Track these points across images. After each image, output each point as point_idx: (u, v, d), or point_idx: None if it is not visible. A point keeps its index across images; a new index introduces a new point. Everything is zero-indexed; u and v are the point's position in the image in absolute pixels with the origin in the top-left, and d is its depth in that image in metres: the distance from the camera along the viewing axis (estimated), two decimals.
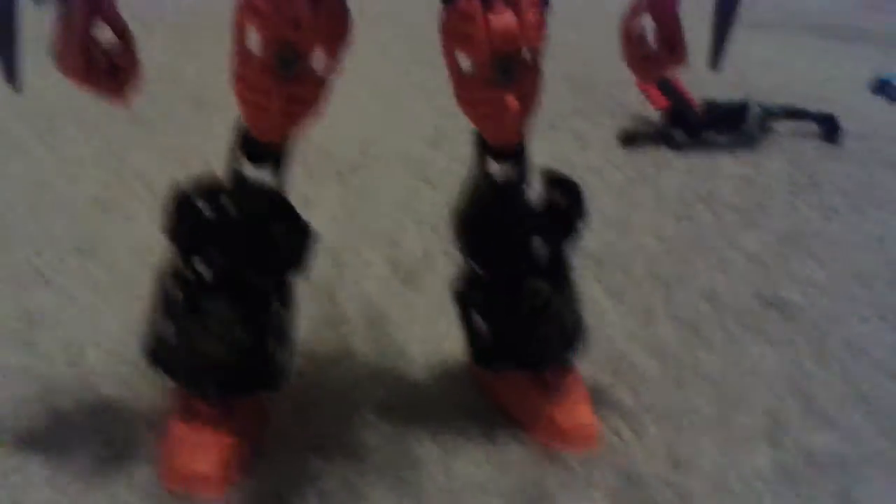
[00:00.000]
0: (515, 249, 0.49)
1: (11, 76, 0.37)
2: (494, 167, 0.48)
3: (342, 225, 0.76)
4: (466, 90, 0.43)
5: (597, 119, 1.08)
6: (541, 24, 0.42)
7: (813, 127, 1.05)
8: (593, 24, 1.56)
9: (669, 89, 1.04)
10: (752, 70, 1.34)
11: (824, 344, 0.61)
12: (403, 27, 1.42)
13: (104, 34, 0.40)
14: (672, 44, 0.45)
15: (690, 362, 0.58)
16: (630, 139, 0.99)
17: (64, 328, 0.58)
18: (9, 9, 0.36)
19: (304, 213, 0.74)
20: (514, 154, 0.48)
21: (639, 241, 0.76)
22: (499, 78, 0.42)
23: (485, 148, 0.47)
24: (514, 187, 0.48)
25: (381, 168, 0.89)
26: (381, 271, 0.69)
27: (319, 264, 0.67)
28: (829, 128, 1.03)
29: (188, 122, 0.98)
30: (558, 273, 0.50)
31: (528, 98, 0.43)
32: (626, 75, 0.49)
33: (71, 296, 0.62)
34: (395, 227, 0.76)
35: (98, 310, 0.61)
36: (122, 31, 0.40)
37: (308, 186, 0.82)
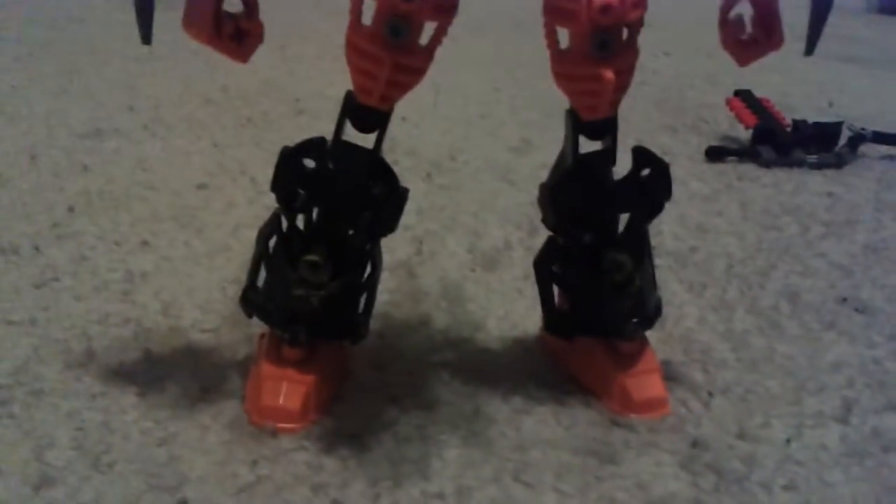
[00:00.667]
0: (600, 223, 0.51)
1: (145, 32, 0.41)
2: (585, 145, 0.49)
3: (427, 216, 0.78)
4: (565, 65, 0.45)
5: (684, 136, 1.08)
6: (640, 2, 0.43)
7: None
8: (684, 51, 1.59)
9: (759, 107, 1.05)
10: (843, 99, 1.33)
11: None
12: (496, 45, 1.46)
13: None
14: (769, 28, 0.46)
15: (765, 350, 0.58)
16: (717, 154, 1.00)
17: (160, 285, 0.62)
18: None
19: None
20: (606, 130, 0.49)
21: (722, 245, 0.76)
22: (597, 52, 0.43)
23: (577, 124, 0.49)
24: (603, 163, 0.50)
25: (467, 171, 0.92)
26: (462, 257, 0.71)
27: (404, 247, 0.71)
28: None
29: (288, 126, 1.02)
30: (640, 248, 0.51)
31: (624, 74, 0.45)
32: (715, 98, 0.50)
33: (169, 258, 0.66)
34: (477, 221, 0.78)
35: (192, 272, 0.65)
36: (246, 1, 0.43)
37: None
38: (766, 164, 0.98)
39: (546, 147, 0.99)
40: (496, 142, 1.03)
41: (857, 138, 1.03)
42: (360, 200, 0.48)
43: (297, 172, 0.47)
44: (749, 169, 0.98)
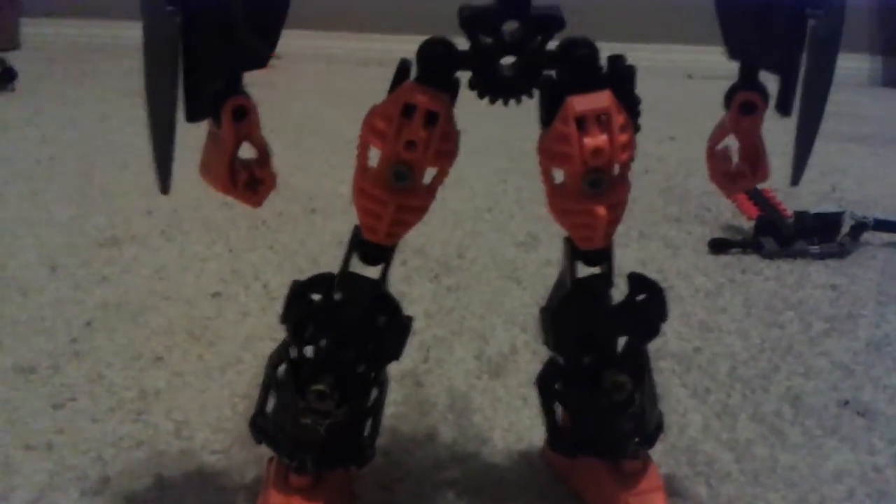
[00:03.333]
0: (599, 346, 0.52)
1: (164, 181, 0.43)
2: (583, 269, 0.51)
3: (435, 320, 0.80)
4: (560, 201, 0.47)
5: (687, 227, 1.10)
6: (630, 144, 0.46)
7: None
8: (688, 135, 1.61)
9: (760, 199, 1.07)
10: (846, 182, 1.35)
11: None
12: (501, 132, 1.49)
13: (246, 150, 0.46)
14: (754, 162, 0.48)
15: (768, 461, 0.59)
16: (720, 247, 1.01)
17: (173, 403, 0.64)
18: (170, 123, 0.42)
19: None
20: (601, 258, 0.51)
21: (725, 345, 0.77)
22: (589, 189, 0.46)
23: (574, 252, 0.51)
24: (600, 288, 0.52)
25: (474, 269, 0.94)
26: (469, 364, 0.72)
27: (411, 355, 0.72)
28: None
29: (301, 226, 1.05)
30: (639, 369, 0.53)
31: (616, 208, 0.47)
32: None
33: (181, 374, 0.68)
34: (484, 324, 0.80)
35: (204, 387, 0.66)
36: (261, 149, 0.46)
37: (406, 285, 0.87)
38: (769, 256, 1.00)
39: (552, 242, 1.01)
40: (503, 237, 1.05)
41: (860, 227, 1.04)
42: (366, 331, 0.49)
43: (305, 306, 0.50)
44: (752, 261, 0.99)
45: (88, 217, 1.04)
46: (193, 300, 0.82)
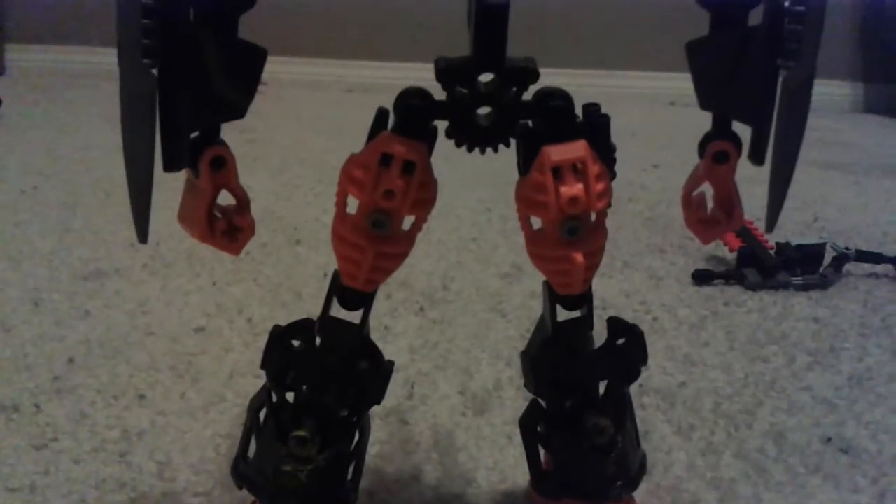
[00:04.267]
0: (580, 389, 0.52)
1: (142, 232, 0.43)
2: (562, 313, 0.51)
3: (420, 355, 0.80)
4: (538, 247, 0.48)
5: (671, 257, 1.11)
6: (606, 192, 0.46)
7: (889, 269, 1.06)
8: (671, 163, 1.63)
9: (743, 230, 1.07)
10: (827, 211, 1.36)
11: (888, 487, 0.61)
12: (485, 160, 1.49)
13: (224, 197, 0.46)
14: (729, 209, 0.48)
15: (752, 500, 0.59)
16: (704, 278, 1.02)
17: (155, 444, 0.63)
18: (148, 175, 0.42)
19: (386, 343, 0.79)
20: (581, 302, 0.51)
21: (709, 380, 0.78)
22: (567, 236, 0.46)
23: (554, 295, 0.51)
24: (580, 332, 0.52)
25: (459, 302, 0.94)
26: (453, 400, 0.72)
27: (396, 392, 0.72)
28: None
29: (285, 258, 1.05)
30: (620, 412, 0.53)
31: (594, 254, 0.47)
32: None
33: (164, 413, 0.68)
34: (468, 359, 0.80)
35: (187, 427, 0.66)
36: (240, 198, 0.46)
37: (390, 319, 0.87)
38: (752, 288, 1.00)
39: (535, 274, 0.99)
40: (487, 268, 1.05)
41: (842, 258, 1.05)
42: (347, 376, 0.49)
43: (286, 352, 0.50)
44: (735, 293, 1.00)
45: (72, 249, 1.03)
46: (177, 335, 0.82)
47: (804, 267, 1.02)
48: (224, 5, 0.43)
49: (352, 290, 0.48)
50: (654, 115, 2.19)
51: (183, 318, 0.86)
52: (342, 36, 2.46)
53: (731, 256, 1.08)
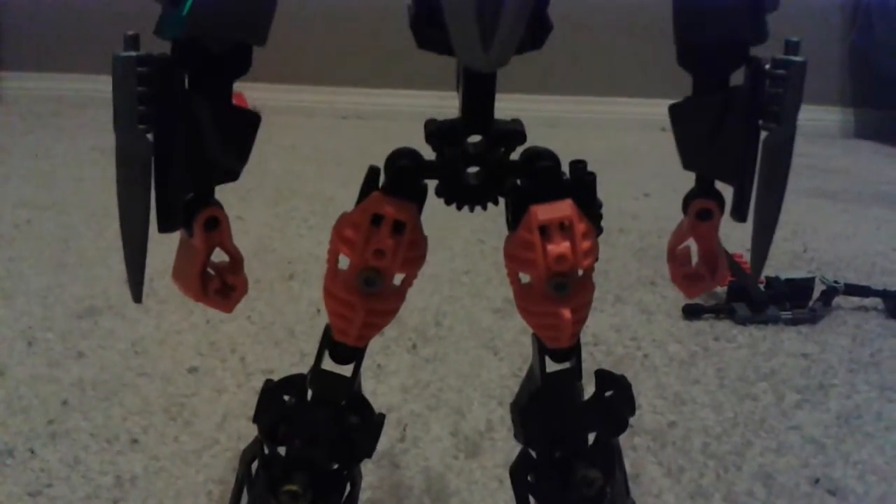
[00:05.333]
0: (568, 441, 0.53)
1: (137, 291, 0.44)
2: (551, 365, 0.52)
3: (412, 394, 0.81)
4: (526, 301, 0.48)
5: (662, 291, 1.12)
6: (592, 249, 0.47)
7: (878, 302, 1.07)
8: (662, 191, 1.64)
9: (733, 264, 1.08)
10: (817, 241, 1.37)
11: None
12: None
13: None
14: (712, 266, 0.49)
15: None
16: (694, 313, 1.03)
17: (148, 490, 0.64)
18: (142, 236, 0.43)
19: (379, 382, 0.80)
20: (570, 354, 0.52)
21: (699, 419, 0.78)
22: (554, 292, 0.47)
23: (542, 348, 0.52)
24: (569, 384, 0.53)
25: (451, 338, 0.95)
26: (445, 442, 0.73)
27: (388, 433, 0.73)
28: (893, 304, 1.05)
29: (278, 294, 1.05)
30: (610, 461, 0.53)
31: (581, 309, 0.48)
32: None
33: (157, 458, 0.68)
34: (461, 398, 0.81)
35: (180, 472, 0.66)
36: (233, 256, 0.47)
37: (383, 357, 0.88)
38: (742, 322, 1.01)
39: None
40: (480, 302, 1.06)
41: (831, 291, 1.06)
42: (338, 430, 0.50)
43: (277, 407, 0.50)
44: (725, 327, 1.01)
45: (66, 286, 1.04)
46: (170, 376, 0.82)
47: (793, 301, 1.03)
48: (218, 72, 0.44)
49: (343, 345, 0.49)
50: (646, 141, 2.21)
51: (176, 357, 0.87)
52: (336, 63, 2.47)
53: (720, 291, 1.09)
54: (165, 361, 0.86)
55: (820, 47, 2.41)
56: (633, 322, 1.01)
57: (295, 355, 0.88)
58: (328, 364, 0.50)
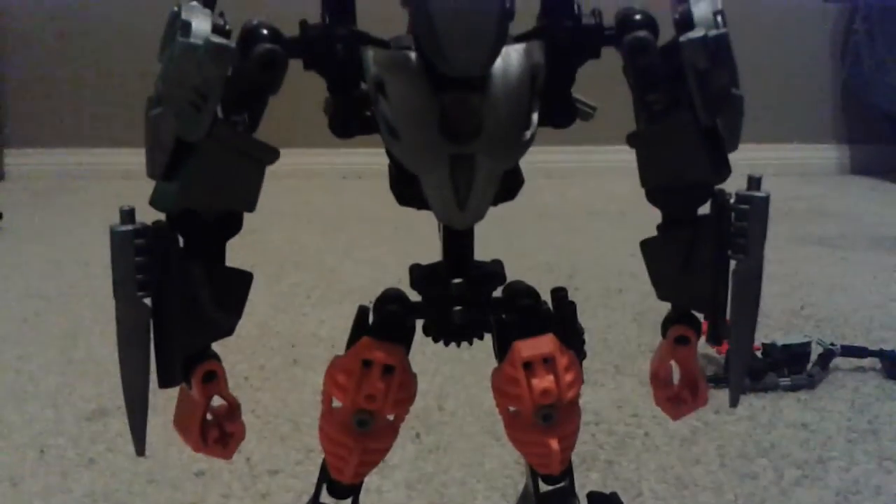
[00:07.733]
0: None
1: (140, 446, 0.46)
2: (543, 486, 0.54)
3: (416, 491, 0.82)
4: (515, 430, 0.51)
5: None
6: (576, 381, 0.49)
7: (875, 362, 1.08)
8: None
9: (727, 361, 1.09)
10: (814, 295, 1.39)
11: None
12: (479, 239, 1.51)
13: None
14: (693, 389, 0.51)
15: None
16: None
17: None
18: (143, 394, 0.45)
19: (383, 478, 0.81)
20: (563, 475, 0.54)
21: None
22: (541, 423, 0.49)
23: (535, 471, 0.54)
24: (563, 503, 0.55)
25: (454, 422, 0.96)
26: None
27: None
28: (891, 365, 1.06)
29: (283, 381, 1.07)
30: None
31: (569, 437, 0.50)
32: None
33: None
34: (465, 493, 0.82)
35: None
36: (231, 405, 0.49)
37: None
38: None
39: None
40: (481, 382, 1.06)
41: (828, 355, 1.07)
42: None
43: None
44: (725, 397, 1.00)
45: (75, 387, 1.06)
46: (178, 482, 0.84)
47: (791, 366, 1.05)
48: (211, 235, 0.46)
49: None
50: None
51: (183, 460, 0.88)
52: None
53: (719, 357, 1.10)
54: (173, 465, 0.87)
55: (811, 81, 2.44)
56: (632, 396, 1.02)
57: (301, 451, 0.89)
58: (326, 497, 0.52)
